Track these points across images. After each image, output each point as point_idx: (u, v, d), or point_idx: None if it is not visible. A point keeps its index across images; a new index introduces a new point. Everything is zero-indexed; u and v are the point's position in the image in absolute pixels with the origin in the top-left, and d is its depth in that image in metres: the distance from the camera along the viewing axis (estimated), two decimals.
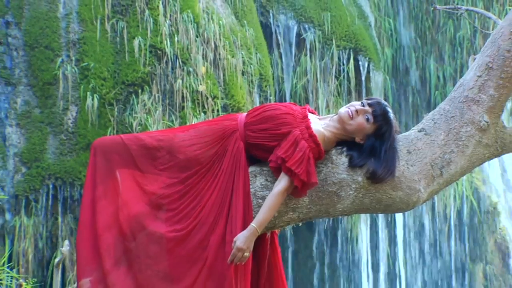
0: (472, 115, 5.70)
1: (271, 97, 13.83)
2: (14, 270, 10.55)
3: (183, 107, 12.14)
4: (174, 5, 12.54)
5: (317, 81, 14.86)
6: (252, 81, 13.37)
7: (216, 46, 12.75)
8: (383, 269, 16.27)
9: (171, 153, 5.24)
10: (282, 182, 5.10)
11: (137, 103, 11.97)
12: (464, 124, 5.68)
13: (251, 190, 5.22)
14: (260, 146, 5.22)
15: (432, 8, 16.00)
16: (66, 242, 9.38)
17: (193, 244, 5.06)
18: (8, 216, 11.66)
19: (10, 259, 10.76)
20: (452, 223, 16.71)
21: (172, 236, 5.07)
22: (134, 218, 5.13)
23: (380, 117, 5.27)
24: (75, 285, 7.76)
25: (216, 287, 5.03)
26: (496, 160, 9.64)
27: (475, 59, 6.02)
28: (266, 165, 5.25)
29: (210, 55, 12.66)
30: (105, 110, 11.93)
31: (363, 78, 15.11)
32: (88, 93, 11.85)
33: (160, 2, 12.47)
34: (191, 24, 12.56)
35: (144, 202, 5.16)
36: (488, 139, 5.78)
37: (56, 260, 7.79)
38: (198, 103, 12.26)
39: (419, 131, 5.72)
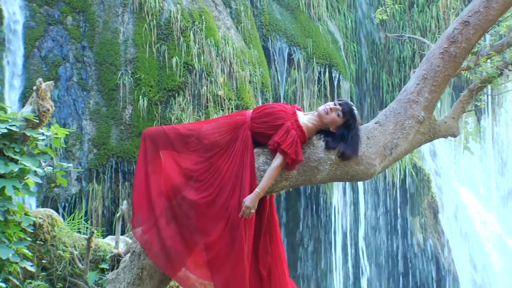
0: (413, 111, 5.68)
1: (270, 99, 13.80)
2: (89, 222, 10.56)
3: (207, 106, 12.12)
4: (201, 34, 12.50)
5: (302, 87, 14.81)
6: (256, 88, 13.34)
7: (230, 63, 12.71)
8: (349, 218, 16.27)
9: (199, 139, 5.25)
10: (278, 159, 5.12)
11: (175, 103, 11.94)
12: (407, 118, 5.66)
13: (256, 165, 5.22)
14: (262, 133, 5.23)
15: (384, 36, 16.02)
16: (125, 202, 9.37)
17: (218, 206, 5.10)
18: (84, 183, 11.65)
19: (86, 214, 10.77)
20: (398, 188, 16.69)
21: (203, 202, 5.10)
22: (175, 186, 5.17)
23: (348, 113, 5.30)
24: (131, 232, 7.72)
25: (231, 236, 5.06)
26: (429, 143, 9.60)
27: (414, 72, 6.00)
28: (267, 147, 5.26)
29: (226, 69, 12.62)
30: (152, 109, 11.91)
31: (335, 86, 15.06)
32: (140, 96, 11.83)
33: (191, 32, 12.43)
34: (213, 47, 12.53)
35: (180, 175, 5.20)
36: (424, 128, 5.76)
37: (118, 215, 7.76)
38: (218, 103, 12.24)
39: (375, 123, 5.70)
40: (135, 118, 11.87)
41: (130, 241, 7.37)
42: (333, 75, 15.12)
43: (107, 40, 12.24)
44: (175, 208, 5.15)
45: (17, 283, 6.34)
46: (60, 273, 6.93)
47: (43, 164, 6.19)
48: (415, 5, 16.31)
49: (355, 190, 16.42)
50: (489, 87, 7.41)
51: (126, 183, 11.70)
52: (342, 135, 5.32)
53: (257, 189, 5.05)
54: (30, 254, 6.25)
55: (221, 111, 12.11)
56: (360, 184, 16.37)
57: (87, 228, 8.80)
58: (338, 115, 5.28)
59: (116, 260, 6.79)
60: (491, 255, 18.93)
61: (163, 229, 5.13)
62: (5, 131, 5.77)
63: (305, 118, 5.34)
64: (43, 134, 6.11)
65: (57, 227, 7.14)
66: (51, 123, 9.38)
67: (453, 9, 15.95)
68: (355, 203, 16.42)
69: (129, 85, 11.96)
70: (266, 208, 5.42)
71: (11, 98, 11.46)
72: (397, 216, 16.87)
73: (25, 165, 5.80)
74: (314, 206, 15.85)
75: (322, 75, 15.00)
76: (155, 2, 12.37)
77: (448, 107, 16.32)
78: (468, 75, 7.15)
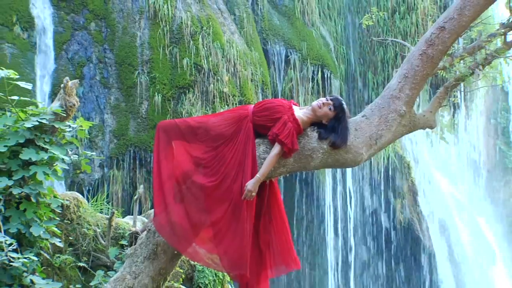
0: (395, 106, 5.66)
1: (269, 95, 13.79)
2: (110, 204, 10.57)
3: (214, 102, 12.11)
4: (208, 38, 12.48)
5: (298, 85, 14.80)
6: (257, 85, 13.32)
7: (234, 63, 12.69)
8: (339, 200, 16.28)
9: (207, 131, 5.24)
10: (276, 148, 5.11)
11: (185, 99, 11.93)
12: (391, 112, 5.65)
13: (257, 153, 5.21)
14: (262, 126, 5.21)
15: (370, 40, 15.99)
16: (141, 186, 9.39)
17: (223, 189, 5.10)
18: (105, 170, 11.66)
19: (107, 197, 10.78)
20: (382, 174, 16.69)
21: (210, 185, 5.10)
22: (185, 172, 5.16)
23: (338, 107, 5.28)
24: (147, 212, 7.71)
25: (234, 215, 5.07)
26: (410, 134, 9.61)
27: (397, 71, 5.98)
28: (266, 138, 5.24)
29: (231, 69, 12.61)
30: (165, 104, 11.90)
31: (326, 83, 15.06)
32: (155, 93, 11.82)
33: (200, 36, 12.41)
34: (219, 49, 12.51)
35: (190, 162, 5.19)
36: (405, 121, 5.75)
37: (135, 197, 7.76)
38: (224, 99, 12.23)
39: (362, 116, 5.69)
40: (150, 112, 11.87)
41: (146, 220, 7.37)
42: (325, 74, 15.13)
43: (126, 43, 12.22)
44: (184, 192, 5.15)
45: (47, 257, 6.36)
46: (85, 248, 6.95)
47: (70, 152, 6.20)
48: (397, 13, 16.29)
49: (344, 176, 16.43)
50: (462, 85, 7.40)
51: (143, 169, 11.72)
52: (333, 127, 5.31)
53: (257, 175, 5.05)
54: (58, 231, 6.26)
55: (226, 106, 12.10)
56: (349, 170, 16.37)
57: (108, 209, 8.80)
58: (330, 109, 5.27)
59: (134, 237, 6.80)
60: (464, 233, 18.97)
61: (173, 210, 5.13)
62: (37, 123, 5.80)
63: (301, 112, 5.34)
64: (69, 126, 6.12)
65: (82, 208, 7.14)
66: (77, 117, 9.38)
67: (430, 16, 15.94)
68: (344, 187, 16.43)
69: (145, 83, 11.96)
70: (266, 191, 5.41)
71: (42, 94, 11.47)
72: (380, 198, 16.88)
73: (54, 154, 5.82)
74: (307, 188, 15.88)
75: (315, 74, 15.00)
76: (168, 10, 12.34)
77: (426, 102, 16.29)
78: (444, 74, 7.13)
